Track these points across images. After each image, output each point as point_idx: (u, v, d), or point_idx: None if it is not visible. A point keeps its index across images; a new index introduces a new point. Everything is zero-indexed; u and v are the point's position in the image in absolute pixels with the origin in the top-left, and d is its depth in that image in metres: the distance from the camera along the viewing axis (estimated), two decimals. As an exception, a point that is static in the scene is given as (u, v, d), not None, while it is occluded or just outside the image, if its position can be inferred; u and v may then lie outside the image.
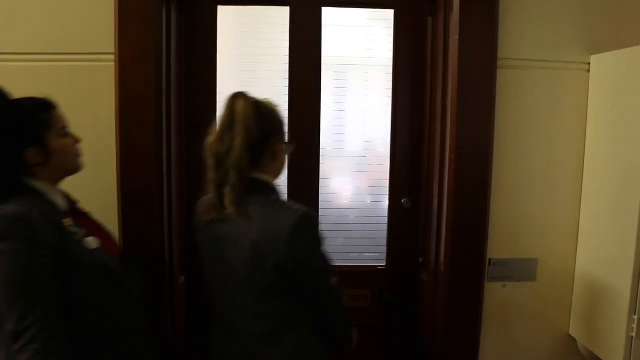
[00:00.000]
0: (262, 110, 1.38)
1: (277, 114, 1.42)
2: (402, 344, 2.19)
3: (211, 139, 1.38)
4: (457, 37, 1.79)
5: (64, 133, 1.37)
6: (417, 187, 2.14)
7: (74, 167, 1.40)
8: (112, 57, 1.76)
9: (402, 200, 2.13)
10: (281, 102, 2.10)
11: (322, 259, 1.39)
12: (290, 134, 1.51)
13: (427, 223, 2.10)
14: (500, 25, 1.82)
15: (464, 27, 1.78)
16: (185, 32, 2.02)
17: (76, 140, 1.41)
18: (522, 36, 1.85)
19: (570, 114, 1.89)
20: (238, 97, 1.38)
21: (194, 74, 2.07)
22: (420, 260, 2.14)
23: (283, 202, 1.38)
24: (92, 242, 1.36)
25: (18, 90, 1.76)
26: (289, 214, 1.32)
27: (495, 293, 1.93)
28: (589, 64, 1.87)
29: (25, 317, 1.17)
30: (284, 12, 2.08)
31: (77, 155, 1.41)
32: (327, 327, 1.45)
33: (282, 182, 2.15)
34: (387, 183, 2.14)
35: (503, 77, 1.84)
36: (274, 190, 1.41)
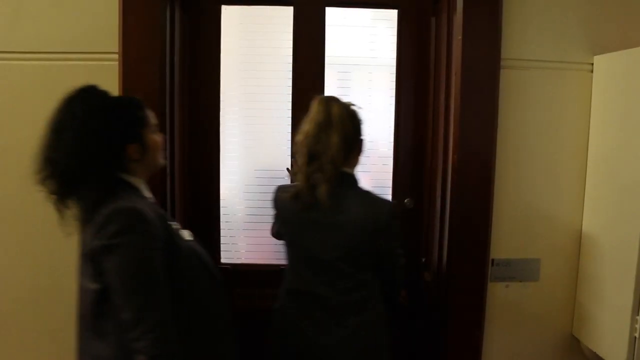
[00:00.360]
0: (353, 113, 1.58)
1: (360, 115, 1.61)
2: (405, 343, 2.19)
3: (302, 137, 1.56)
4: (460, 37, 1.79)
5: (155, 130, 1.41)
6: (419, 187, 2.14)
7: (160, 164, 1.44)
8: (116, 56, 1.76)
9: (405, 200, 2.13)
10: (284, 101, 2.12)
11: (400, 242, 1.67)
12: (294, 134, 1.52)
13: (429, 223, 2.10)
14: (503, 25, 1.82)
15: (467, 27, 1.78)
16: (189, 32, 2.03)
17: (163, 138, 1.46)
18: (525, 36, 1.85)
19: (574, 115, 1.89)
20: (332, 101, 1.57)
21: (197, 73, 2.07)
22: (423, 260, 2.14)
23: (371, 192, 1.61)
24: (186, 233, 1.42)
25: (22, 89, 1.78)
26: (385, 204, 1.60)
27: (498, 293, 1.93)
28: (592, 64, 1.87)
29: (144, 308, 1.20)
30: (288, 11, 2.08)
31: (163, 151, 1.46)
32: (391, 296, 1.73)
33: (286, 181, 2.16)
34: (390, 183, 2.14)
35: (506, 78, 1.84)
36: (357, 181, 1.62)
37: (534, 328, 1.96)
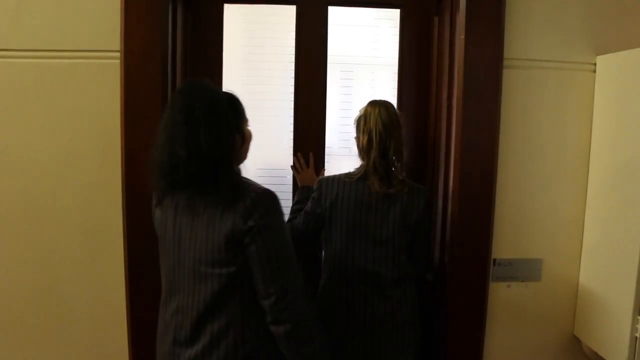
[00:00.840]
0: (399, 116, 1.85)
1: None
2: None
3: (367, 138, 1.81)
4: (463, 36, 1.79)
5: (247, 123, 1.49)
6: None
7: (246, 156, 1.50)
8: (118, 54, 1.76)
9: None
10: (287, 100, 2.12)
11: None
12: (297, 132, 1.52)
13: (431, 222, 2.10)
14: (506, 25, 1.81)
15: (470, 26, 1.78)
16: (191, 30, 2.02)
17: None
18: (527, 36, 1.84)
19: (576, 115, 1.88)
20: (388, 105, 1.83)
21: (199, 71, 2.07)
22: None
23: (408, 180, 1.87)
24: None
25: (24, 87, 1.77)
26: (422, 191, 1.86)
27: (500, 293, 1.93)
28: (595, 64, 1.86)
29: (290, 281, 1.35)
30: (290, 10, 2.08)
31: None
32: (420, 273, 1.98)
33: (289, 180, 2.16)
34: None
35: (509, 77, 1.84)
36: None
37: (535, 328, 1.96)
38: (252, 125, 1.50)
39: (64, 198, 1.81)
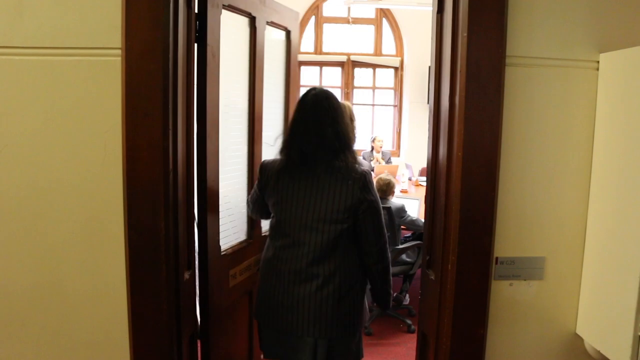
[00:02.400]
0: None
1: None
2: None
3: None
4: (465, 34, 1.78)
5: None
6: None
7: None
8: (119, 51, 1.75)
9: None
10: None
11: None
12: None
13: (434, 221, 2.09)
14: (508, 22, 1.80)
15: (473, 24, 1.77)
16: (193, 27, 2.02)
17: None
18: (530, 33, 1.83)
19: (579, 113, 1.88)
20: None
21: (200, 68, 2.07)
22: (427, 258, 2.14)
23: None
24: None
25: (24, 85, 1.76)
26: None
27: (502, 292, 1.92)
28: (598, 62, 1.86)
29: (384, 242, 2.20)
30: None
31: None
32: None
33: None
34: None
35: (511, 75, 1.83)
36: None
37: (537, 326, 1.96)
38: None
39: (64, 195, 1.81)
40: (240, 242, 2.58)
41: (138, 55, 1.74)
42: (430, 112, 2.15)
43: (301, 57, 8.34)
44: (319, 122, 2.09)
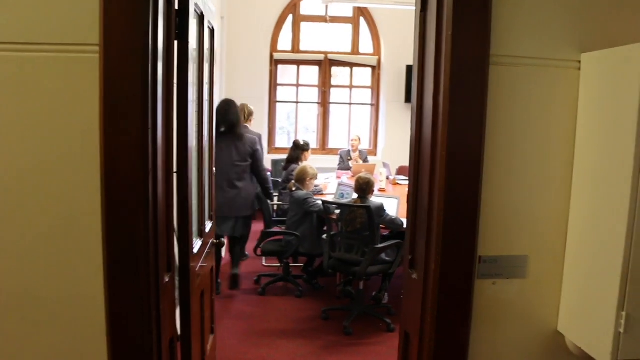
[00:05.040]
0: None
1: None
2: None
3: None
4: (450, 32, 1.77)
5: None
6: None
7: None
8: (97, 48, 1.69)
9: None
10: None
11: None
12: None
13: (416, 220, 2.08)
14: (493, 21, 1.80)
15: (457, 22, 1.76)
16: (173, 23, 1.98)
17: None
18: (514, 33, 1.83)
19: (561, 112, 1.88)
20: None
21: (180, 66, 2.03)
22: (410, 257, 2.13)
23: None
24: None
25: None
26: (252, 139, 4.93)
27: (485, 290, 1.92)
28: (580, 62, 1.87)
29: (264, 171, 5.02)
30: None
31: None
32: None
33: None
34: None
35: (495, 74, 1.83)
36: None
37: (520, 324, 1.96)
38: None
39: (38, 196, 1.75)
40: (196, 240, 2.56)
41: (117, 53, 1.69)
42: (412, 111, 2.14)
43: (278, 56, 8.31)
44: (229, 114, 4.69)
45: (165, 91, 1.92)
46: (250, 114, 5.42)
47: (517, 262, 1.93)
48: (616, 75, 1.70)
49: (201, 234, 2.65)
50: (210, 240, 2.93)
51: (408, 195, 2.22)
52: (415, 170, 2.10)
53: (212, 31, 2.94)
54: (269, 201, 5.26)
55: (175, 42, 2.07)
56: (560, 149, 1.90)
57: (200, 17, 2.50)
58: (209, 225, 2.90)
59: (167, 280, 1.98)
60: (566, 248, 1.94)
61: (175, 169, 2.12)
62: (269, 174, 5.83)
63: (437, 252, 1.86)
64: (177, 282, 2.21)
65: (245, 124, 5.20)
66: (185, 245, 2.21)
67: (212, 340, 3.17)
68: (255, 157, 4.75)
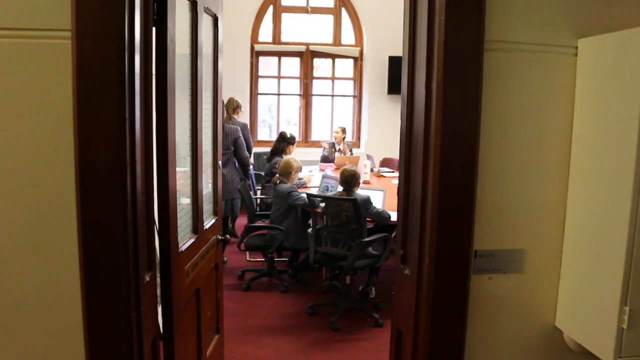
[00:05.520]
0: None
1: None
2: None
3: None
4: (443, 17, 1.69)
5: None
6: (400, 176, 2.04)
7: None
8: (69, 33, 1.58)
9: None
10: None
11: None
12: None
13: (408, 213, 2.01)
14: (487, 5, 1.72)
15: (451, 7, 1.68)
16: (150, 8, 1.86)
17: None
18: (509, 17, 1.75)
19: (558, 99, 1.81)
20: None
21: (159, 55, 1.92)
22: (402, 252, 2.05)
23: None
24: None
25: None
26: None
27: (481, 286, 1.85)
28: (577, 47, 1.80)
29: (245, 155, 5.49)
30: None
31: None
32: None
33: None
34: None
35: (490, 60, 1.75)
36: None
37: (517, 320, 1.90)
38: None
39: (8, 195, 1.64)
40: (189, 237, 2.45)
41: (90, 38, 1.58)
42: (403, 100, 2.06)
43: (259, 47, 8.19)
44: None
45: (144, 80, 1.81)
46: (238, 106, 5.78)
47: (514, 256, 1.87)
48: (615, 62, 1.64)
49: (196, 230, 2.54)
50: (213, 237, 2.83)
51: (398, 189, 2.14)
52: (406, 162, 2.01)
53: (215, 19, 2.81)
54: (251, 194, 5.18)
55: (154, 29, 1.95)
56: (557, 138, 1.83)
57: (193, 3, 2.37)
58: (209, 222, 2.79)
59: (147, 279, 1.88)
60: (564, 241, 1.88)
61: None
62: (251, 167, 5.95)
63: (431, 247, 1.78)
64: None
65: (233, 116, 5.67)
66: (166, 242, 2.10)
67: (217, 340, 3.07)
68: (236, 145, 5.28)
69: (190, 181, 2.53)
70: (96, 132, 1.61)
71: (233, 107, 5.70)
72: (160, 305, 2.09)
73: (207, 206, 2.80)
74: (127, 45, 1.63)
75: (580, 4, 1.79)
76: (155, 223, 2.03)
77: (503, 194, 1.83)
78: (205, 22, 2.61)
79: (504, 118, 1.80)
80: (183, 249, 2.30)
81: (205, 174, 2.70)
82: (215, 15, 2.78)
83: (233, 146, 5.27)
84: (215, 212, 2.93)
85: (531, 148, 1.83)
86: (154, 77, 1.98)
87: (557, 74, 1.81)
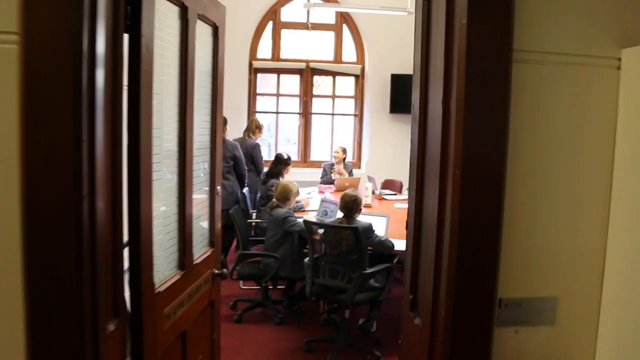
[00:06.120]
0: None
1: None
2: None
3: None
4: (465, 21, 1.42)
5: None
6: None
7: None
8: (16, 37, 1.32)
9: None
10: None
11: None
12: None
13: (419, 252, 1.72)
14: (516, 9, 1.46)
15: (474, 9, 1.41)
16: (122, 11, 1.60)
17: None
18: (542, 24, 1.50)
19: (597, 122, 1.55)
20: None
21: (132, 65, 1.66)
22: (411, 297, 1.76)
23: None
24: None
25: None
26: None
27: (506, 341, 1.57)
28: (620, 59, 1.53)
29: (243, 167, 5.87)
30: None
31: None
32: None
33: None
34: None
35: (519, 73, 1.48)
36: None
37: (547, 381, 1.61)
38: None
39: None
40: (173, 274, 2.14)
41: (41, 44, 1.32)
42: (414, 119, 1.79)
43: (258, 64, 7.97)
44: None
45: (110, 95, 1.54)
46: (258, 127, 6.33)
47: (545, 305, 1.60)
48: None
49: (182, 265, 2.23)
50: (208, 271, 2.52)
51: (407, 222, 1.86)
52: (418, 193, 1.73)
53: (214, 29, 2.53)
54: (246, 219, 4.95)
55: (126, 36, 1.68)
56: (596, 168, 1.57)
57: (183, 8, 2.10)
58: (203, 254, 2.48)
59: (112, 328, 1.59)
60: (603, 287, 1.61)
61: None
62: (246, 188, 5.90)
63: (449, 296, 1.50)
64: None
65: (251, 136, 6.26)
66: (137, 283, 1.80)
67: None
68: (235, 159, 5.65)
69: (177, 209, 2.23)
70: (45, 156, 1.33)
71: (253, 128, 6.29)
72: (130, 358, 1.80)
73: (200, 237, 2.50)
74: (87, 52, 1.36)
75: (625, 9, 1.54)
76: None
77: (532, 232, 1.57)
78: (201, 31, 2.34)
79: (534, 143, 1.53)
80: (162, 289, 2.00)
81: (198, 200, 2.41)
82: (215, 24, 2.51)
83: (232, 160, 5.63)
84: (211, 244, 2.63)
85: (565, 179, 1.56)
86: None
87: (596, 89, 1.55)
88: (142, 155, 1.76)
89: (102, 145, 1.46)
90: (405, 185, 7.21)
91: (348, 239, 3.67)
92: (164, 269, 2.09)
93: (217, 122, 2.62)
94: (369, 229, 3.76)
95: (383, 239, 3.89)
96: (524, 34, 1.49)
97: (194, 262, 2.34)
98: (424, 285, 1.69)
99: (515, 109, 1.48)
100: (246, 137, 6.22)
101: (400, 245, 3.95)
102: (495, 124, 1.45)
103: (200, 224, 2.54)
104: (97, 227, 1.45)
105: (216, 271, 2.61)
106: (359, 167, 8.27)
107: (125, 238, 1.77)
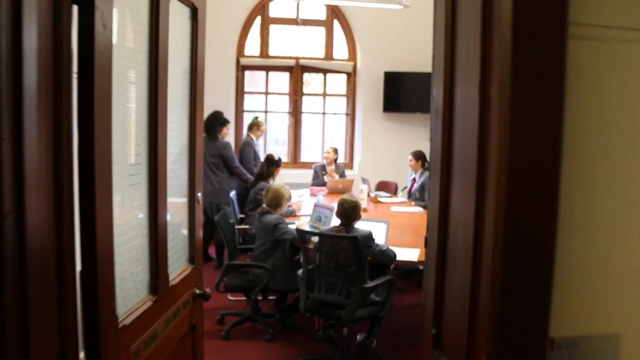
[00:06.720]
0: None
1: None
2: None
3: None
4: (509, -14, 1.09)
5: None
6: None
7: None
8: None
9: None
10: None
11: None
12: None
13: (444, 279, 1.39)
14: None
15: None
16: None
17: None
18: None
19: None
20: None
21: (84, 44, 1.32)
22: (434, 332, 1.43)
23: None
24: None
25: None
26: None
27: (559, 390, 1.24)
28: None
29: (234, 165, 6.09)
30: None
31: None
32: None
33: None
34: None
35: (576, 52, 1.16)
36: None
37: None
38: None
39: None
40: (143, 301, 1.79)
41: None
42: (434, 114, 1.46)
43: (246, 61, 7.65)
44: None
45: (51, 82, 1.20)
46: (255, 124, 6.60)
47: (606, 344, 1.29)
48: None
49: (155, 289, 1.87)
50: (188, 292, 2.17)
51: (426, 239, 1.53)
52: (443, 202, 1.40)
53: (193, 10, 2.18)
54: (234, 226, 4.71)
55: (75, 7, 1.34)
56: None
57: None
58: (181, 273, 2.11)
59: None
60: (677, 322, 1.27)
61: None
62: (233, 192, 5.69)
63: (490, 339, 1.16)
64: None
65: (251, 135, 6.61)
66: (94, 317, 1.45)
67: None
68: (224, 156, 5.88)
69: (148, 221, 1.88)
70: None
71: (251, 124, 6.64)
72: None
73: (177, 253, 2.15)
74: (10, 26, 1.02)
75: None
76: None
77: (589, 255, 1.24)
78: (176, 11, 2.00)
79: (594, 140, 1.21)
80: (128, 322, 1.65)
81: (173, 208, 2.06)
82: (194, 5, 2.16)
83: (220, 158, 5.87)
84: (191, 260, 2.27)
85: (632, 189, 1.24)
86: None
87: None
88: (98, 156, 1.41)
89: (36, 145, 1.12)
90: (401, 187, 6.93)
91: (346, 249, 3.32)
92: (132, 295, 1.74)
93: (196, 120, 2.27)
94: (369, 237, 3.42)
95: (384, 248, 3.54)
96: (581, 4, 1.17)
97: (170, 284, 1.99)
98: (452, 319, 1.36)
99: (572, 98, 1.16)
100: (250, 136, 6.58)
101: (402, 254, 3.63)
102: (549, 115, 1.12)
103: (178, 237, 2.19)
104: (29, 252, 1.10)
105: (198, 291, 2.27)
106: (351, 168, 7.98)
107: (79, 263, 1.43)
